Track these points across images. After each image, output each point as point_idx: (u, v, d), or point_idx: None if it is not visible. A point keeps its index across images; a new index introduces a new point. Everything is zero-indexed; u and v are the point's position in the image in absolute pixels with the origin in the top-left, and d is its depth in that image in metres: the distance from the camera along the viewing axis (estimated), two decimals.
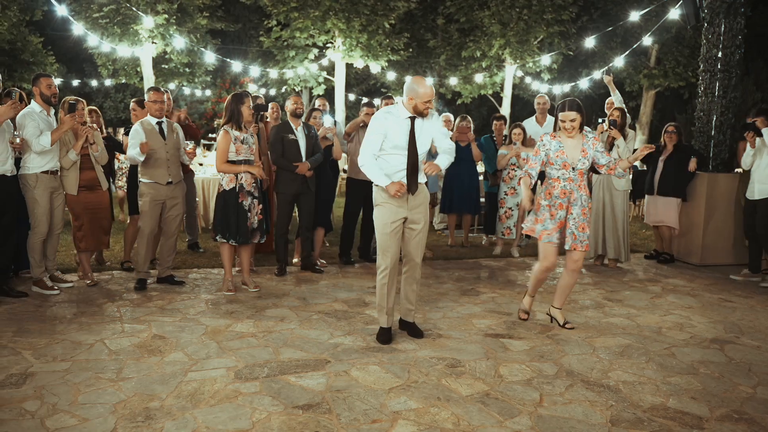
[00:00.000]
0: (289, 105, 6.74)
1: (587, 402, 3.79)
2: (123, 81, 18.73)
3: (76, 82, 22.72)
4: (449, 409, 3.63)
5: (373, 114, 7.31)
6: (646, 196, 8.10)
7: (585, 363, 4.44)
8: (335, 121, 8.37)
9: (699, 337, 5.10)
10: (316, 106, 7.84)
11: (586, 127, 5.13)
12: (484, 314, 5.56)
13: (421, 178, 4.71)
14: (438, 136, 4.80)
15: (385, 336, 4.78)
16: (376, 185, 4.69)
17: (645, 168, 8.11)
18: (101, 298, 5.73)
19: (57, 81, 19.03)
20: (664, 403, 3.81)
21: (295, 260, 7.28)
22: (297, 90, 20.35)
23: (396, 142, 4.60)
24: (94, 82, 22.63)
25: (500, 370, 4.27)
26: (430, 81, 19.95)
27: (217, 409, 3.55)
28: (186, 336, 4.76)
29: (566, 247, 5.02)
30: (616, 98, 8.01)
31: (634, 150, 8.02)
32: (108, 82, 21.70)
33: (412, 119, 4.63)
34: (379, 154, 4.66)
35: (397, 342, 4.76)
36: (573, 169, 4.94)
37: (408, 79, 4.70)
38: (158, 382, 3.90)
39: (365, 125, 7.30)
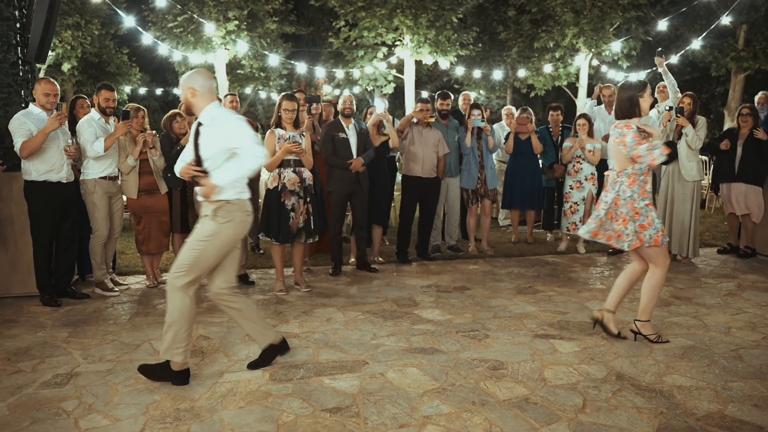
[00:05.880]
0: (339, 104, 6.73)
1: (634, 408, 3.53)
2: None
3: (159, 91, 23.67)
4: (482, 414, 3.46)
5: (427, 110, 7.22)
6: (723, 185, 7.54)
7: (639, 366, 4.15)
8: (392, 119, 8.27)
9: None
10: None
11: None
12: (537, 314, 5.32)
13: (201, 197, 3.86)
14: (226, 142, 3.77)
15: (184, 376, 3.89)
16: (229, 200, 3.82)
17: (713, 158, 7.56)
18: (158, 300, 5.87)
19: (141, 90, 19.80)
20: (721, 411, 3.50)
21: (351, 260, 7.24)
22: (369, 89, 20.41)
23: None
24: (176, 90, 23.52)
25: (545, 373, 4.05)
26: (498, 74, 19.40)
27: (245, 411, 3.53)
28: (230, 337, 4.79)
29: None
30: (668, 82, 7.54)
31: (714, 137, 7.52)
32: None
33: (199, 124, 3.87)
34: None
35: (441, 343, 4.61)
36: None
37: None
38: (194, 384, 3.92)
39: (419, 122, 7.19)
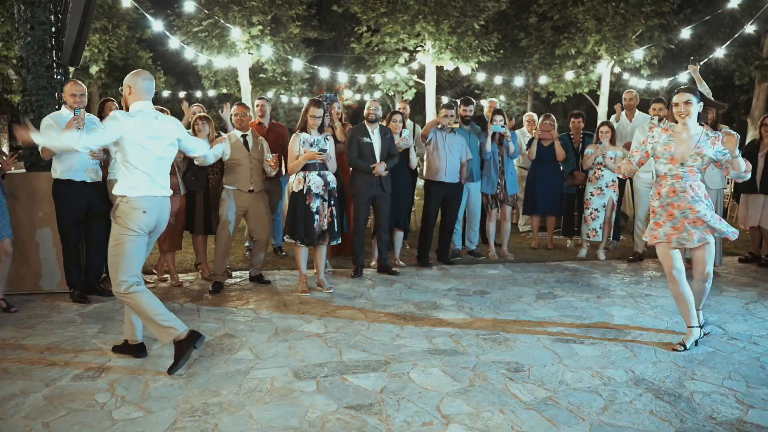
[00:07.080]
0: (364, 110, 6.84)
1: (655, 412, 3.57)
2: (224, 91, 19.62)
3: (182, 94, 23.99)
4: (504, 415, 3.53)
5: (451, 116, 7.30)
6: (742, 195, 7.53)
7: (660, 371, 4.19)
8: (413, 125, 8.39)
9: None
10: (397, 109, 7.91)
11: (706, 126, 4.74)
12: (558, 318, 5.37)
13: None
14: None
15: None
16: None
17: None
18: (183, 298, 6.00)
19: (165, 93, 20.11)
20: (741, 417, 3.53)
21: (372, 262, 7.32)
22: (390, 94, 20.53)
23: None
24: (198, 93, 23.80)
25: (565, 376, 4.11)
26: (519, 81, 19.45)
27: (272, 407, 3.62)
28: (255, 335, 4.90)
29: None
30: (702, 89, 7.53)
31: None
32: (211, 93, 22.81)
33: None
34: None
35: (462, 345, 4.68)
36: (681, 165, 4.54)
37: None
38: (222, 379, 4.03)
39: (443, 127, 7.27)
